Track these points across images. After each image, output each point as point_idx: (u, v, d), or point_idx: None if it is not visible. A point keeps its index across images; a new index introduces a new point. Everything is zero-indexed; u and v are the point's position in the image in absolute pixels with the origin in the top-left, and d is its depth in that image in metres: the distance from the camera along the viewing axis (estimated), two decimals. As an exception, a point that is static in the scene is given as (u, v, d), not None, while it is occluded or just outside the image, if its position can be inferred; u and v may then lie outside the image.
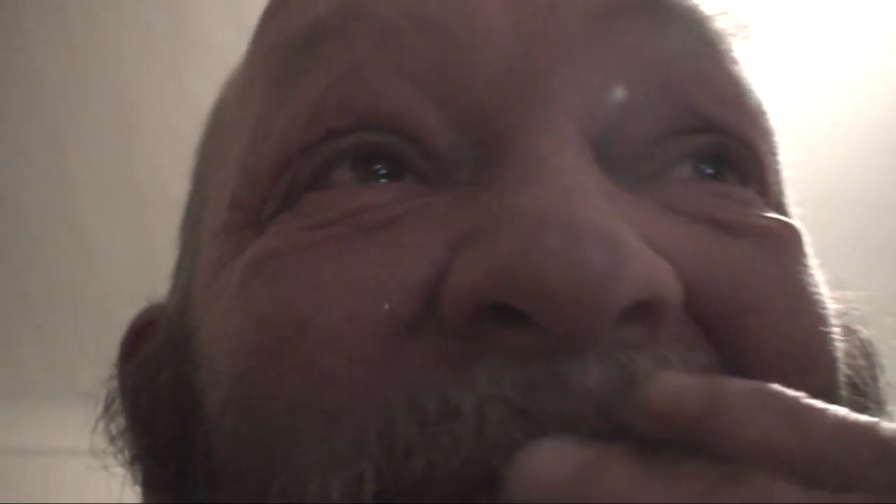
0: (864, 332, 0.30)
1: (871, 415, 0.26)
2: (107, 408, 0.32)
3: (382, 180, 0.25)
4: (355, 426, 0.21)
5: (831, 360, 0.24)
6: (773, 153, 0.27)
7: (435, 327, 0.22)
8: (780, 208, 0.27)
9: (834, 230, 1.48)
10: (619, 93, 0.24)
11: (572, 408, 0.20)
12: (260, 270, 0.24)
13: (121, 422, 0.31)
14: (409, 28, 0.25)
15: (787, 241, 0.25)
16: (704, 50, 0.26)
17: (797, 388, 0.21)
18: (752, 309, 0.23)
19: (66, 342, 1.68)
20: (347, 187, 0.25)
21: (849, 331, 0.28)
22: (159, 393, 0.29)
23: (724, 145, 0.25)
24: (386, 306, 0.22)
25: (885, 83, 1.39)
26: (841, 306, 0.29)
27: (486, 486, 0.20)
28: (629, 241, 0.20)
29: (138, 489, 0.31)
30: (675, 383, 0.19)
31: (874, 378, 0.29)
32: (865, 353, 0.29)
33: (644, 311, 0.21)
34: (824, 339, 0.24)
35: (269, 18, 0.30)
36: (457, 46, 0.24)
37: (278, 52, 0.27)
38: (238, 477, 0.24)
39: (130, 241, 1.55)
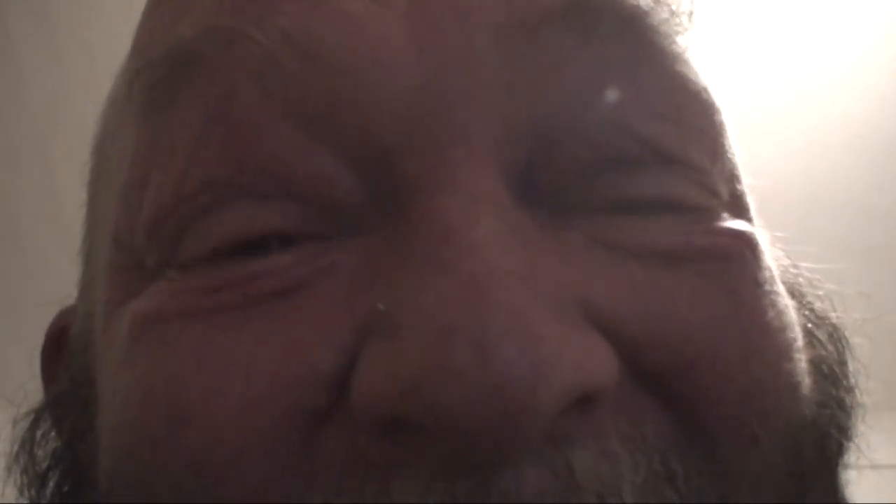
0: (834, 318, 0.28)
1: (840, 400, 0.25)
2: (21, 450, 0.29)
3: (275, 253, 0.21)
4: None
5: (793, 389, 0.22)
6: (719, 156, 0.24)
7: (347, 418, 0.19)
8: (735, 205, 0.24)
9: (827, 234, 1.49)
10: (541, 119, 0.21)
11: None
12: (144, 334, 0.21)
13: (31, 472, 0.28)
14: (290, 56, 0.21)
15: (736, 260, 0.22)
16: (639, 54, 0.22)
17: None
18: (700, 360, 0.20)
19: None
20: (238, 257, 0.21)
21: (818, 319, 0.27)
22: (55, 452, 0.27)
23: (663, 178, 0.22)
24: (288, 398, 0.19)
25: (876, 85, 1.40)
26: (808, 285, 0.27)
27: None
28: (551, 339, 0.17)
29: None
30: None
31: (843, 364, 0.27)
32: (834, 340, 0.27)
33: (579, 400, 0.18)
34: (783, 371, 0.22)
35: (144, 20, 0.26)
36: (348, 77, 0.21)
37: (144, 76, 0.23)
38: None
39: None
